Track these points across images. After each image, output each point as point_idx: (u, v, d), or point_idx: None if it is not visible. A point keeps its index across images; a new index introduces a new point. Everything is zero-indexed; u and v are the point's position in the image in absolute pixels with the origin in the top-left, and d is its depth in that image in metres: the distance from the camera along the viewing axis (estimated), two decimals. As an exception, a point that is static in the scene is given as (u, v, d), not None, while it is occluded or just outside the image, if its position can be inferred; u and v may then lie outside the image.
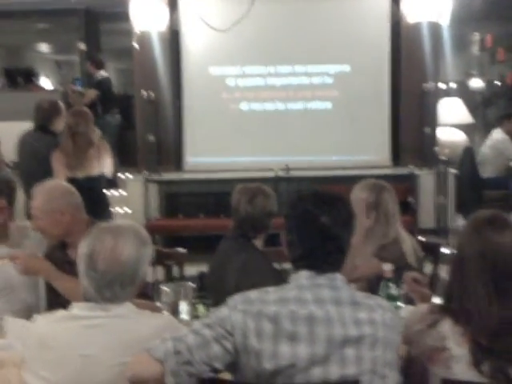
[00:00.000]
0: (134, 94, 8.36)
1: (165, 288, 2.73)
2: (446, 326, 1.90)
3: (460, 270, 1.93)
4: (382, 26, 8.01)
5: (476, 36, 10.56)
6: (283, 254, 2.01)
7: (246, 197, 3.11)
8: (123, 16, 8.06)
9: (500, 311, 1.85)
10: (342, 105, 8.03)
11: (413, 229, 5.85)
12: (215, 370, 1.83)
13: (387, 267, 2.74)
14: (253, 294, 1.89)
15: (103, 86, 8.20)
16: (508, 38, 10.29)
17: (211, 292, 2.93)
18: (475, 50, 10.77)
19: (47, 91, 10.16)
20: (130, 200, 7.64)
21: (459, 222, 7.29)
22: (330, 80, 8.11)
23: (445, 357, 1.88)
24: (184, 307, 2.66)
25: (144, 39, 8.01)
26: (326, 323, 1.81)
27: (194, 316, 2.65)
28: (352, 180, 3.55)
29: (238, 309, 1.84)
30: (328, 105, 8.12)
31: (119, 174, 7.59)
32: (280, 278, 2.98)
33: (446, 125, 8.66)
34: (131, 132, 8.33)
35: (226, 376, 1.90)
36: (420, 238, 3.81)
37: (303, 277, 1.90)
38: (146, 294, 2.68)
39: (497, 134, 7.78)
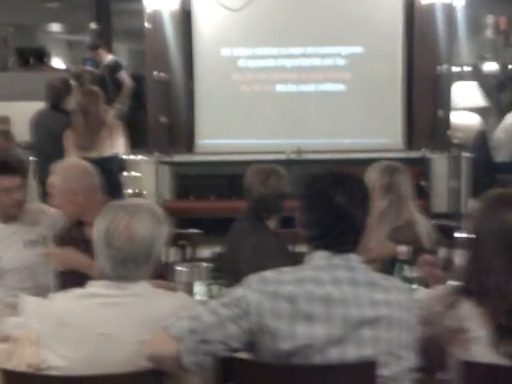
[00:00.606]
0: (145, 74, 8.32)
1: (179, 268, 2.72)
2: (465, 308, 1.89)
3: (477, 250, 1.92)
4: (396, 7, 7.94)
5: (490, 18, 10.44)
6: (296, 235, 2.00)
7: (259, 178, 3.10)
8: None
9: None
10: (355, 87, 7.98)
11: (425, 213, 5.80)
12: (232, 349, 1.83)
13: (402, 249, 2.73)
14: (269, 274, 1.88)
15: (115, 69, 8.15)
16: (523, 21, 10.17)
17: (225, 273, 2.93)
18: (489, 32, 10.66)
19: (59, 71, 10.15)
20: (141, 181, 7.64)
21: (472, 205, 7.25)
22: (342, 62, 8.06)
23: (464, 338, 1.87)
24: (199, 288, 2.66)
25: (156, 19, 7.97)
26: (342, 303, 1.81)
27: (209, 296, 2.65)
28: (364, 163, 3.53)
29: (253, 288, 1.83)
30: (340, 87, 8.07)
31: (131, 156, 7.60)
32: (293, 260, 2.98)
33: (459, 108, 8.60)
34: (143, 113, 8.32)
35: (243, 355, 1.90)
36: (435, 221, 3.79)
37: (319, 257, 1.89)
38: (162, 274, 2.68)
39: (511, 118, 7.72)
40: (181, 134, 8.18)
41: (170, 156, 7.67)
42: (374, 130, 7.92)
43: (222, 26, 8.04)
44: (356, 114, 7.91)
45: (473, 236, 1.96)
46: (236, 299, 1.83)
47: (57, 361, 1.91)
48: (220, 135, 8.12)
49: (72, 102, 5.36)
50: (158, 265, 2.10)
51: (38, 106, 5.53)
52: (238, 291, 1.85)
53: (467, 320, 1.88)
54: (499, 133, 7.80)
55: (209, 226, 5.54)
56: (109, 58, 8.06)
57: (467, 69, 9.60)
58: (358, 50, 8.00)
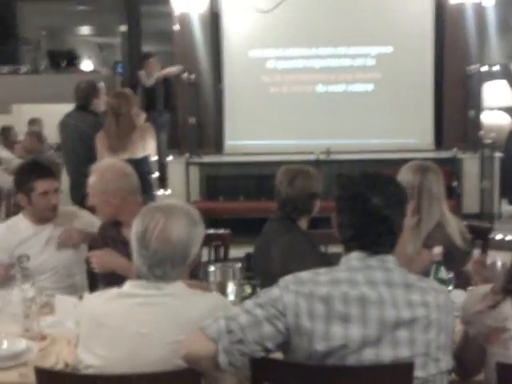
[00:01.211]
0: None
1: (212, 268, 2.73)
2: (508, 307, 1.87)
3: None
4: (425, 7, 7.89)
5: (520, 18, 10.32)
6: (329, 236, 2.00)
7: (286, 178, 3.10)
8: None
9: None
10: (384, 87, 7.94)
11: (457, 213, 5.76)
12: (267, 350, 1.83)
13: (437, 250, 2.71)
14: (304, 274, 1.88)
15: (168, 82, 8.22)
16: (554, 19, 10.03)
17: (257, 273, 2.94)
18: (520, 32, 10.53)
19: (89, 73, 10.26)
20: (171, 182, 7.69)
21: (504, 207, 7.17)
22: (371, 62, 8.03)
23: (504, 337, 1.86)
24: (231, 288, 2.67)
25: (184, 21, 8.02)
26: (378, 305, 1.80)
27: (242, 296, 2.65)
28: (394, 163, 3.52)
29: (289, 289, 1.83)
30: (370, 87, 8.04)
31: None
32: (325, 260, 2.98)
33: (490, 108, 8.51)
34: (172, 115, 8.37)
35: (278, 356, 1.90)
36: (466, 222, 3.76)
37: (354, 258, 1.89)
38: (196, 275, 2.69)
39: (542, 117, 7.63)
40: (210, 134, 8.22)
41: (199, 157, 7.70)
42: (404, 130, 7.87)
43: (250, 28, 8.06)
44: (385, 114, 7.87)
45: None
46: (272, 300, 1.83)
47: (93, 360, 1.93)
48: (249, 136, 8.13)
49: (102, 104, 5.40)
50: (195, 265, 2.11)
51: (69, 108, 5.59)
52: (274, 292, 1.85)
53: (509, 319, 1.86)
54: (531, 132, 7.71)
55: (238, 226, 5.57)
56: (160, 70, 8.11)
57: (497, 68, 9.50)
58: (387, 49, 7.96)
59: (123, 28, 8.62)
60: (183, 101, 8.08)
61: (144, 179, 5.22)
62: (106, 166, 3.15)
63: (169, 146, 8.26)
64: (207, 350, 1.79)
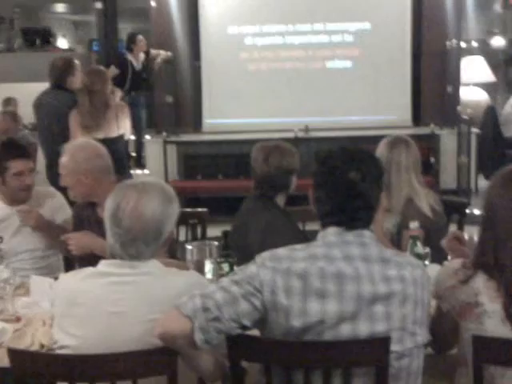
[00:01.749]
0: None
1: (189, 247, 2.72)
2: (479, 282, 1.88)
3: (492, 224, 1.90)
4: (403, -18, 7.86)
5: (499, -7, 10.34)
6: (306, 213, 1.98)
7: (261, 155, 3.08)
8: (139, -26, 7.97)
9: None
10: (363, 64, 7.92)
11: (434, 189, 5.80)
12: (244, 327, 1.82)
13: (413, 225, 2.71)
14: (281, 251, 1.87)
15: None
16: (532, -5, 10.05)
17: (235, 251, 2.93)
18: (498, 7, 10.54)
19: (64, 51, 10.11)
20: (148, 162, 7.64)
21: (481, 182, 7.23)
22: (350, 38, 8.00)
23: (477, 312, 1.87)
24: (209, 266, 2.66)
25: (161, -2, 7.93)
26: (354, 280, 1.80)
27: (220, 274, 2.64)
28: (373, 140, 3.50)
29: (266, 266, 1.83)
30: (348, 64, 8.02)
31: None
32: (302, 237, 2.98)
33: (468, 84, 8.53)
34: (149, 93, 8.29)
35: (255, 333, 1.90)
36: (444, 197, 3.77)
37: (331, 234, 1.88)
38: (174, 253, 2.68)
39: (520, 93, 7.67)
40: (188, 113, 8.16)
41: (177, 135, 7.65)
42: (382, 106, 7.87)
43: (228, 4, 7.99)
44: (364, 91, 7.86)
45: (487, 210, 1.94)
46: (249, 277, 1.82)
47: (68, 340, 1.91)
48: (227, 114, 8.09)
49: (78, 82, 5.31)
50: (169, 242, 2.09)
51: (45, 86, 5.50)
52: (251, 269, 1.84)
53: (481, 294, 1.87)
54: (508, 108, 7.76)
55: (216, 205, 5.55)
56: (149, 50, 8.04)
57: (475, 44, 9.52)
58: (365, 26, 7.93)
59: (98, 5, 8.46)
60: (160, 79, 7.99)
61: (119, 159, 5.19)
62: (78, 146, 3.10)
63: (146, 125, 8.20)
64: (183, 327, 1.78)
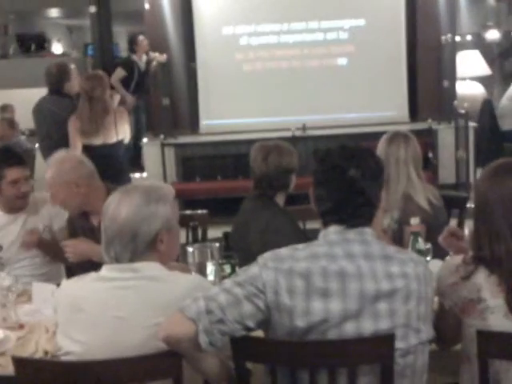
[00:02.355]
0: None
1: (190, 249, 2.71)
2: (481, 277, 1.87)
3: (485, 218, 1.90)
4: (396, -22, 7.85)
5: (492, -14, 10.34)
6: (306, 212, 1.98)
7: (260, 155, 3.08)
8: (133, -23, 7.96)
9: None
10: (358, 60, 7.91)
11: (433, 184, 5.79)
12: (248, 329, 1.82)
13: (414, 221, 2.71)
14: (283, 251, 1.87)
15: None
16: (525, -13, 10.05)
17: (236, 252, 2.93)
18: (492, 0, 10.54)
19: (59, 56, 10.11)
20: (147, 165, 7.63)
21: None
22: (344, 35, 7.99)
23: (480, 308, 1.87)
24: (211, 268, 2.65)
25: (154, 0, 7.90)
26: (357, 278, 1.80)
27: (222, 276, 2.64)
28: (371, 137, 3.51)
29: (268, 266, 1.82)
30: (344, 61, 8.01)
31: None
32: (303, 236, 2.97)
33: (463, 78, 8.53)
34: (145, 96, 8.28)
35: (259, 334, 1.89)
36: (444, 192, 3.76)
37: (332, 232, 1.88)
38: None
39: (516, 86, 7.66)
40: (184, 115, 8.15)
41: (174, 138, 7.64)
42: (379, 103, 7.86)
43: (222, 5, 7.97)
44: (360, 88, 7.85)
45: (480, 203, 1.94)
46: (251, 278, 1.82)
47: (73, 346, 1.90)
48: (224, 115, 8.07)
49: (74, 86, 5.30)
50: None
51: (41, 92, 5.49)
52: (253, 270, 1.84)
53: (483, 289, 1.87)
54: (505, 101, 7.75)
55: (216, 206, 5.54)
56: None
57: (470, 38, 9.52)
58: (360, 22, 7.92)
59: (93, 9, 8.45)
60: (156, 81, 7.99)
61: (118, 164, 5.19)
62: (60, 159, 3.09)
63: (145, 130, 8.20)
64: (187, 330, 1.77)
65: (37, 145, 5.96)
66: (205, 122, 8.16)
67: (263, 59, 8.06)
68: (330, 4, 7.85)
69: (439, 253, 2.76)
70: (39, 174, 4.79)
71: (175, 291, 1.90)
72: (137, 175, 7.31)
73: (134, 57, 8.07)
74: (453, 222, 3.52)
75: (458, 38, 8.36)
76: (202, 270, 2.63)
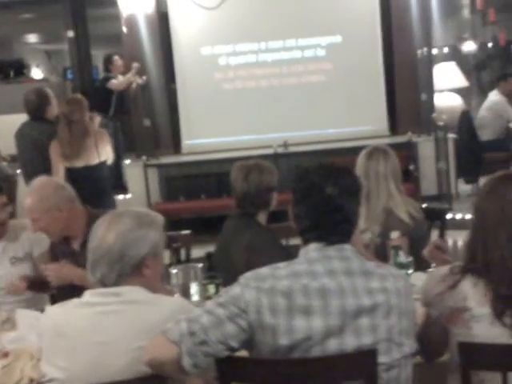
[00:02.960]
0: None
1: (174, 270, 2.72)
2: (467, 286, 1.90)
3: (481, 229, 1.93)
4: (371, -7, 7.94)
5: (466, -2, 10.48)
6: (289, 229, 2.00)
7: (241, 174, 3.10)
8: (110, 0, 7.97)
9: None
10: (337, 76, 7.98)
11: (415, 196, 5.84)
12: (231, 349, 1.82)
13: (394, 235, 2.74)
14: (264, 270, 1.88)
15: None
16: (499, -1, 10.19)
17: (220, 271, 2.93)
18: (466, 12, 10.68)
19: (39, 81, 10.09)
20: (130, 186, 7.62)
21: (461, 186, 7.27)
22: (322, 52, 8.06)
23: (465, 318, 1.88)
24: (195, 288, 2.66)
25: (132, 23, 7.94)
26: (338, 295, 1.81)
27: (206, 296, 2.64)
28: (351, 151, 3.54)
29: (250, 286, 1.83)
30: (322, 77, 8.07)
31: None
32: (286, 253, 2.98)
33: (441, 90, 8.62)
34: (127, 117, 8.29)
35: (243, 354, 1.90)
36: (426, 205, 3.80)
37: (312, 249, 1.89)
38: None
39: (494, 96, 7.76)
40: (166, 135, 8.17)
41: (157, 158, 7.65)
42: (359, 118, 7.92)
43: (199, 25, 8.02)
44: (340, 104, 7.91)
45: (477, 216, 1.97)
46: (233, 298, 1.83)
47: (56, 373, 1.90)
48: (206, 134, 8.10)
49: (54, 111, 5.30)
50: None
51: (21, 118, 5.48)
52: (235, 290, 1.85)
53: (469, 299, 1.88)
54: (483, 112, 7.84)
55: (201, 225, 5.55)
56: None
57: (446, 50, 9.63)
58: (337, 39, 7.99)
59: (70, 34, 8.47)
60: (136, 103, 8.00)
61: (102, 184, 5.19)
62: (39, 185, 3.08)
63: (126, 150, 8.19)
64: (170, 353, 1.77)
65: (19, 170, 5.95)
66: (187, 142, 8.18)
67: (242, 78, 8.11)
68: (306, 21, 7.91)
69: (421, 265, 2.78)
70: (22, 200, 4.77)
71: (158, 314, 1.90)
72: (121, 197, 7.30)
73: (112, 82, 8.02)
74: (434, 234, 3.55)
75: (435, 51, 8.46)
76: (185, 291, 2.64)
